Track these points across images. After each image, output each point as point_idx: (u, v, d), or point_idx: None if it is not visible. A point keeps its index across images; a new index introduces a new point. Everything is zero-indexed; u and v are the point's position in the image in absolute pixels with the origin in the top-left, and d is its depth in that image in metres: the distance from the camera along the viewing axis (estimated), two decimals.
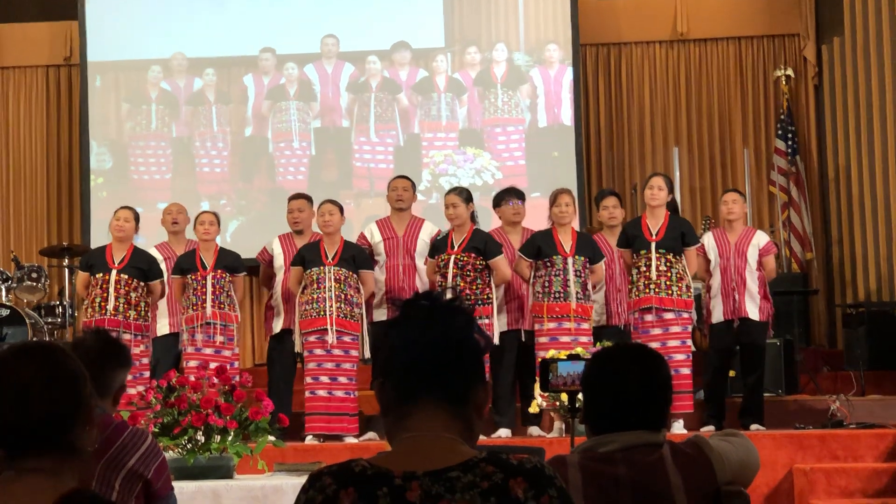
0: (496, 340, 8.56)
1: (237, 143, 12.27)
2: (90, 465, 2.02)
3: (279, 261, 9.19)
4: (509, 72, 12.18)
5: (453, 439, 2.07)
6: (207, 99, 12.29)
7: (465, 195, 8.85)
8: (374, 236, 9.18)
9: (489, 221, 11.07)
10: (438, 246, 8.70)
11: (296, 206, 9.27)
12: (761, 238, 8.93)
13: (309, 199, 9.36)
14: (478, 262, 8.58)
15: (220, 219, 9.25)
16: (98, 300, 8.65)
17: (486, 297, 8.54)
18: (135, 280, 8.71)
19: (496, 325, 8.61)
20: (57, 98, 12.95)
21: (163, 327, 9.23)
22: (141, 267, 8.76)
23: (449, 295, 2.14)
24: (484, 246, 8.61)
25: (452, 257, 8.57)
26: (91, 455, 2.02)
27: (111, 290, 8.64)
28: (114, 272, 8.68)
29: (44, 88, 12.94)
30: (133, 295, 8.68)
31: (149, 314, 8.82)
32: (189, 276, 8.81)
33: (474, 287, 8.52)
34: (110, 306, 8.61)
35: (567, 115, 12.09)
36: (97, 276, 8.72)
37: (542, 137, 12.12)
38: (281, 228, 9.54)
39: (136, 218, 8.97)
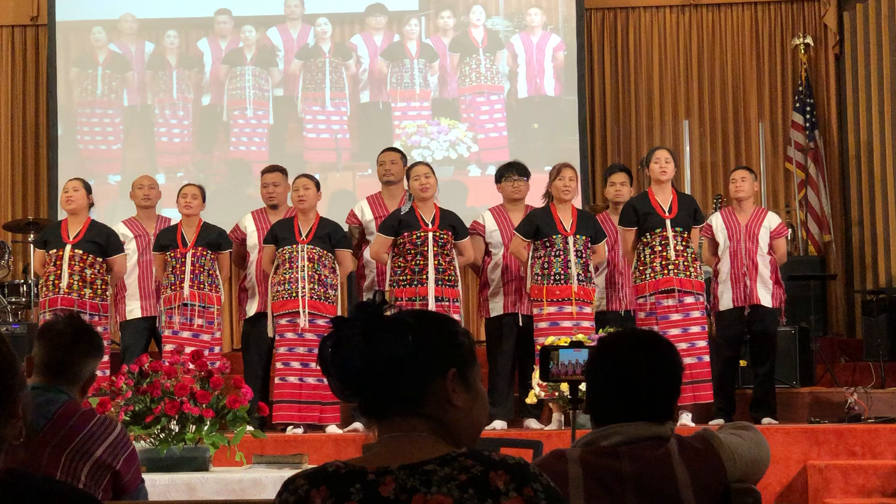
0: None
1: (196, 112, 12.23)
2: (19, 455, 2.02)
3: (252, 239, 9.13)
4: (488, 37, 12.15)
5: (430, 437, 2.13)
6: (169, 63, 12.25)
7: (431, 168, 8.85)
8: (365, 214, 9.14)
9: (464, 196, 11.11)
10: (408, 221, 8.55)
11: (271, 180, 9.19)
12: (773, 220, 8.93)
13: (284, 171, 9.30)
14: (452, 241, 8.60)
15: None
16: (52, 277, 8.62)
17: (456, 278, 8.58)
18: (90, 255, 8.66)
19: (461, 308, 8.64)
20: (23, 61, 12.90)
21: (133, 311, 9.18)
22: (97, 241, 8.70)
23: (386, 302, 2.16)
24: (457, 225, 8.63)
25: (431, 234, 8.52)
26: (21, 445, 2.01)
27: (65, 266, 8.60)
28: (68, 247, 8.64)
29: (9, 50, 12.89)
30: (88, 272, 8.64)
31: (107, 293, 8.77)
32: (168, 254, 8.77)
33: (451, 268, 8.53)
34: (63, 283, 8.57)
35: (550, 86, 12.07)
36: (51, 252, 8.69)
37: (523, 108, 12.12)
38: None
39: (88, 188, 8.91)
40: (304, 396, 8.45)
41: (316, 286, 8.51)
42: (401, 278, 8.51)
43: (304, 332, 8.45)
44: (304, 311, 8.44)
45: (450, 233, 8.56)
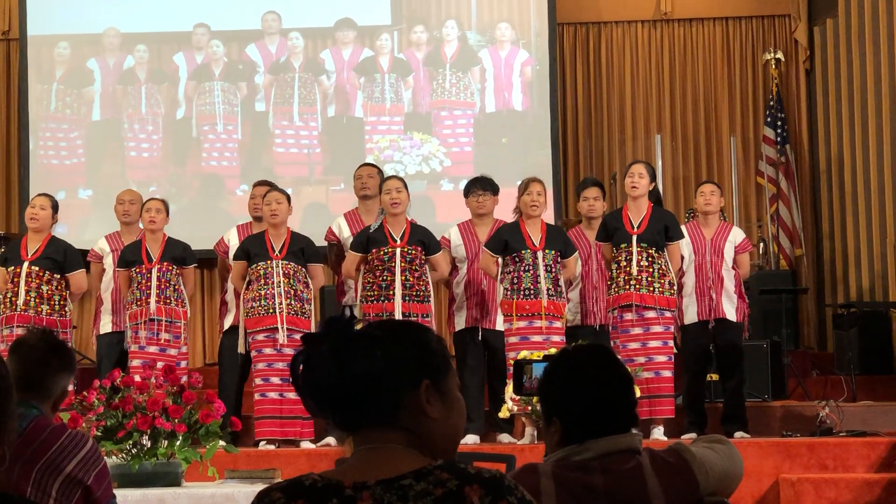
0: None
1: (167, 126, 12.20)
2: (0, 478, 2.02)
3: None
4: (460, 52, 12.17)
5: (406, 449, 2.11)
6: (138, 78, 12.22)
7: (404, 183, 8.85)
8: (343, 231, 9.13)
9: (433, 211, 11.09)
10: (376, 237, 8.56)
11: (260, 193, 9.21)
12: (738, 234, 8.97)
13: (274, 186, 9.32)
14: (422, 257, 8.58)
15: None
16: (9, 295, 8.58)
17: (427, 293, 8.57)
18: (47, 272, 8.59)
19: (433, 324, 8.65)
20: None
21: (106, 325, 9.14)
22: (55, 258, 8.64)
23: (356, 318, 2.16)
24: (429, 241, 8.62)
25: (399, 250, 8.52)
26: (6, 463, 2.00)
27: (21, 283, 8.56)
28: (25, 264, 8.58)
29: None
30: (45, 288, 8.59)
31: (66, 308, 8.71)
32: (133, 269, 8.73)
33: (421, 283, 8.53)
34: (20, 301, 8.53)
35: (518, 101, 12.10)
36: (9, 269, 8.64)
37: (493, 123, 12.14)
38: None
39: (55, 206, 8.87)
40: (286, 412, 8.43)
41: (293, 301, 8.51)
42: (369, 294, 8.51)
43: (283, 347, 8.45)
44: (282, 327, 8.44)
45: (419, 248, 8.55)
